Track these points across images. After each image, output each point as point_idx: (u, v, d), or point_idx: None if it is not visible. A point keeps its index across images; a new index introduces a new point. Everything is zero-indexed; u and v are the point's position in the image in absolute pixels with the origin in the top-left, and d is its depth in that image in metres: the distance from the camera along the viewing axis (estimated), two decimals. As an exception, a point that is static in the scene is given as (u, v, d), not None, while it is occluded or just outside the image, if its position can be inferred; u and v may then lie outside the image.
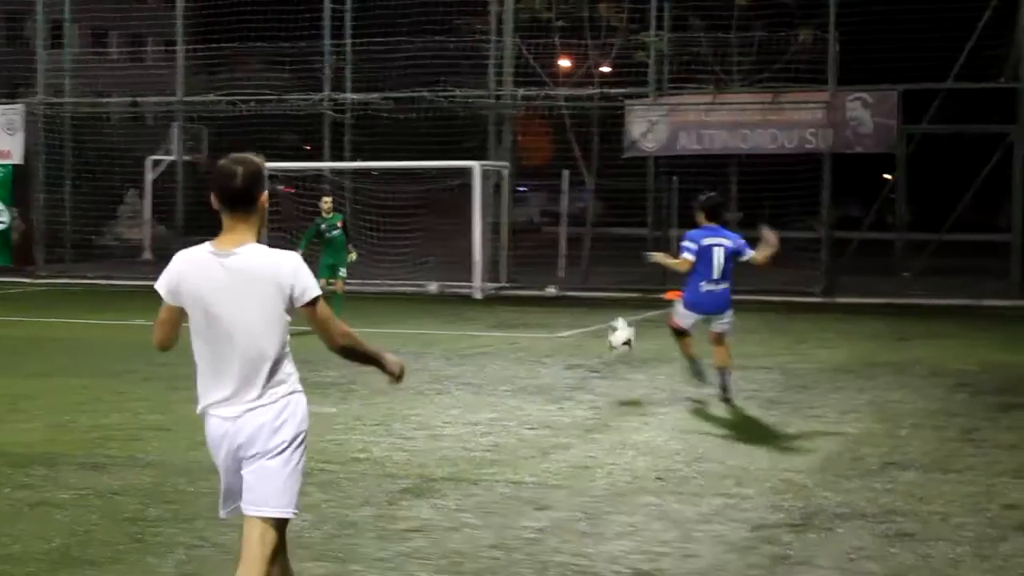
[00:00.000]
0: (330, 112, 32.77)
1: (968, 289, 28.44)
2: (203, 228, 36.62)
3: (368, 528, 8.73)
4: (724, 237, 14.62)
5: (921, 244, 30.27)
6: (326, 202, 22.34)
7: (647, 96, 30.54)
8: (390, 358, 6.33)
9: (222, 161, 6.08)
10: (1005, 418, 13.25)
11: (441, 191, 30.60)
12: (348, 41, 32.70)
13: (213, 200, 6.01)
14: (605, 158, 31.62)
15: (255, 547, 5.89)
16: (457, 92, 31.73)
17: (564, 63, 32.81)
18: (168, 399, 14.17)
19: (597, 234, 32.59)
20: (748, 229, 35.92)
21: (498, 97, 31.46)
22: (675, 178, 32.60)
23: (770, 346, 19.72)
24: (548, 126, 35.87)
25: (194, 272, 6.01)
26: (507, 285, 30.59)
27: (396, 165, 31.82)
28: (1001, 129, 28.95)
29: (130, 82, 36.96)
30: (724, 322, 14.67)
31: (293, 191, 33.77)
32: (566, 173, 32.45)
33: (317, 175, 32.87)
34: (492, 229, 30.87)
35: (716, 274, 14.40)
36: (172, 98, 34.56)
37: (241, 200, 5.97)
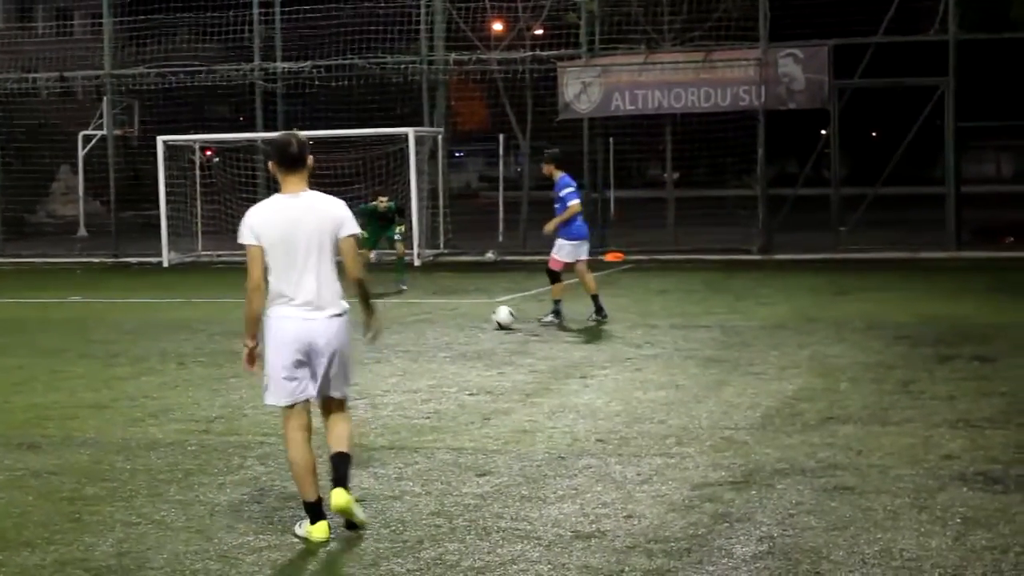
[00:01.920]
0: (261, 82, 32.52)
1: (904, 242, 28.68)
2: (136, 203, 36.48)
3: (309, 500, 8.66)
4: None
5: (857, 198, 30.44)
6: (382, 200, 22.83)
7: (580, 58, 30.49)
8: (377, 321, 8.16)
9: (278, 135, 8.30)
10: (942, 369, 13.35)
11: (376, 159, 30.42)
12: (277, 9, 32.42)
13: (271, 166, 7.99)
14: (540, 121, 31.58)
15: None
16: (388, 58, 31.55)
17: (496, 27, 32.68)
18: (104, 376, 14.04)
19: (534, 198, 32.54)
20: (686, 188, 36.22)
21: (430, 62, 31.31)
22: (610, 139, 32.63)
23: (709, 304, 19.79)
24: (481, 90, 35.78)
25: (272, 214, 7.87)
26: (445, 251, 30.56)
27: (330, 134, 31.61)
28: (933, 81, 29.10)
29: (58, 56, 36.46)
30: (586, 250, 17.90)
31: (217, 158, 33.55)
32: (502, 137, 32.38)
33: (250, 145, 32.63)
34: (429, 195, 30.78)
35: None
36: (100, 72, 34.15)
37: (297, 161, 7.88)
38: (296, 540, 7.78)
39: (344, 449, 7.96)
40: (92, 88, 37.19)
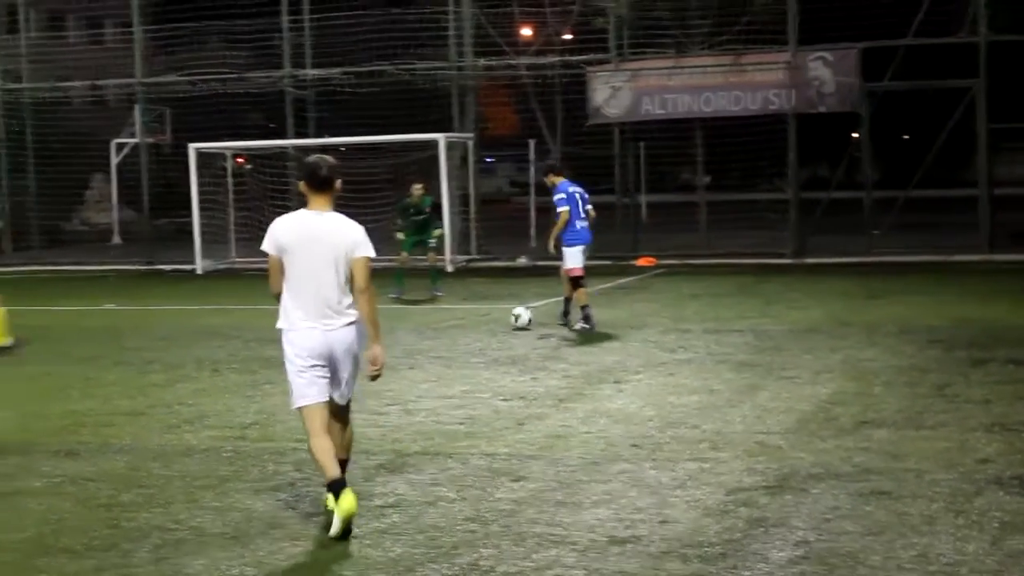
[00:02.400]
0: (291, 89, 32.62)
1: (937, 245, 28.55)
2: (169, 210, 36.62)
3: (344, 506, 8.70)
4: (578, 186, 18.09)
5: (889, 202, 30.34)
6: (417, 188, 22.73)
7: (609, 62, 30.48)
8: (377, 349, 8.43)
9: (310, 158, 8.64)
10: (977, 373, 13.29)
11: (407, 165, 30.48)
12: (306, 16, 32.53)
13: (302, 185, 8.48)
14: (570, 126, 31.60)
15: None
16: (418, 64, 31.60)
17: (525, 32, 32.72)
18: (140, 383, 14.12)
19: (565, 202, 32.55)
20: (717, 192, 36.16)
21: (460, 68, 31.35)
22: (641, 144, 32.61)
23: (742, 308, 19.75)
24: (511, 96, 35.83)
25: (297, 226, 8.42)
26: (477, 257, 30.58)
27: (360, 140, 31.71)
28: (963, 83, 28.99)
29: (90, 65, 36.68)
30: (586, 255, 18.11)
31: (248, 165, 33.65)
32: (532, 142, 32.40)
33: (281, 153, 32.75)
34: (460, 201, 30.82)
35: (582, 212, 17.88)
36: (132, 80, 34.33)
37: (325, 183, 8.45)
38: (333, 545, 7.81)
39: (345, 456, 8.60)
40: (124, 96, 37.41)
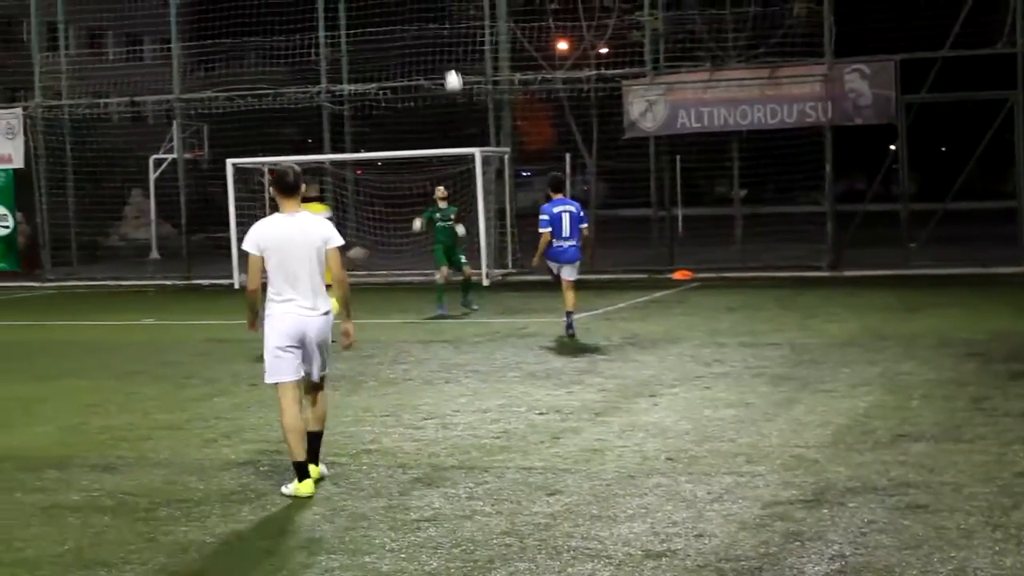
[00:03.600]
0: (328, 104, 32.75)
1: (975, 258, 28.39)
2: (207, 225, 36.88)
3: (380, 519, 8.73)
4: (569, 205, 18.67)
5: (927, 214, 30.20)
6: (440, 191, 22.68)
7: (644, 76, 30.48)
8: (349, 326, 9.89)
9: (279, 167, 9.87)
10: (1015, 386, 13.22)
11: (443, 179, 30.54)
12: (343, 32, 32.67)
13: (273, 191, 9.74)
14: (606, 140, 31.58)
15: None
16: (454, 79, 31.63)
17: (560, 46, 32.75)
18: (178, 397, 14.20)
19: (602, 216, 32.58)
20: (753, 205, 36.09)
21: (495, 83, 31.40)
22: (677, 157, 32.58)
23: (779, 322, 19.70)
24: (547, 110, 35.84)
25: (273, 229, 9.65)
26: (513, 271, 30.58)
27: (397, 155, 31.80)
28: (1001, 95, 28.86)
29: (128, 82, 36.92)
30: (574, 271, 18.60)
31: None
32: (568, 156, 32.42)
33: (319, 167, 32.88)
34: (496, 215, 30.86)
35: (566, 233, 18.35)
36: (170, 96, 34.55)
37: (293, 188, 9.70)
38: (369, 559, 7.83)
39: (319, 429, 9.83)
40: (162, 112, 37.65)
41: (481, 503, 9.07)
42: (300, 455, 9.45)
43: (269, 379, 9.67)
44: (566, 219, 18.32)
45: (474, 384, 14.51)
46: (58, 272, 34.42)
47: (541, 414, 12.50)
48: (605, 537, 8.12)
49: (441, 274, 22.42)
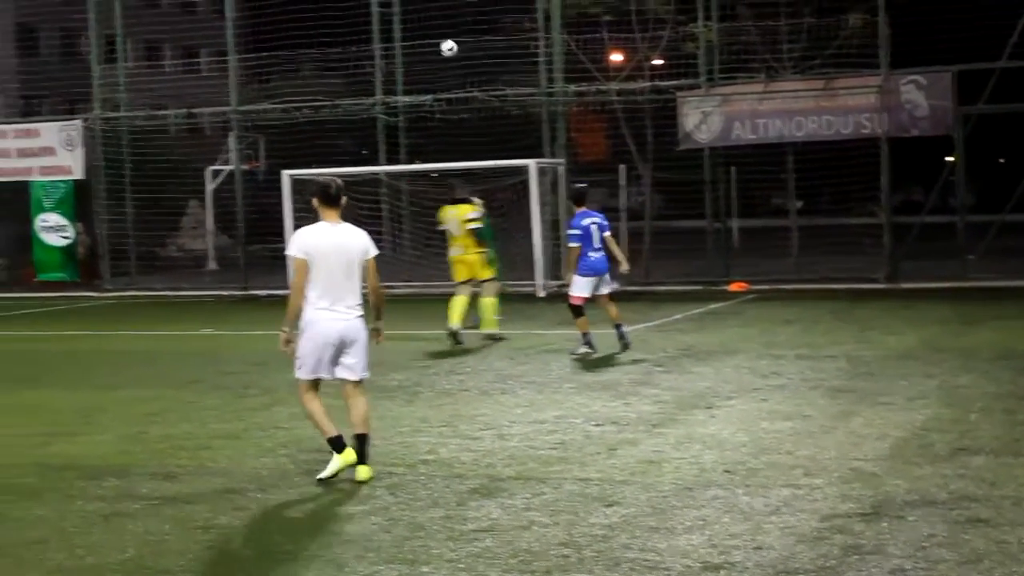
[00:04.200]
0: (383, 116, 32.88)
1: (1033, 270, 28.14)
2: (264, 236, 37.05)
3: (437, 529, 8.77)
4: (595, 216, 18.52)
5: (984, 226, 29.96)
6: (477, 202, 22.54)
7: (699, 87, 30.43)
8: (381, 325, 10.76)
9: (321, 179, 10.68)
10: (1075, 399, 13.11)
11: (498, 191, 30.60)
12: (398, 44, 32.80)
13: (315, 202, 10.46)
14: (660, 151, 31.51)
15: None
16: (508, 91, 31.74)
17: (615, 57, 32.74)
18: (236, 407, 14.30)
19: (657, 228, 32.50)
20: (809, 217, 35.91)
21: (550, 94, 31.43)
22: (732, 168, 32.49)
23: (835, 334, 19.60)
24: (602, 121, 35.83)
25: (319, 237, 10.35)
26: (568, 283, 30.52)
27: (451, 166, 31.85)
28: (1060, 106, 28.61)
29: (185, 93, 37.24)
30: (609, 283, 18.48)
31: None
32: (623, 168, 32.39)
33: (374, 179, 33.02)
34: (551, 226, 30.86)
35: (596, 243, 18.21)
36: (227, 108, 34.80)
37: (335, 199, 10.46)
38: (427, 569, 7.87)
39: (365, 431, 10.41)
40: (219, 124, 37.91)
41: (538, 514, 9.09)
42: (332, 430, 10.32)
43: (303, 375, 10.45)
44: (595, 231, 18.22)
45: (530, 395, 14.53)
46: (117, 282, 34.70)
47: (597, 425, 12.51)
48: (663, 549, 8.12)
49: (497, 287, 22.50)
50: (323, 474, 10.28)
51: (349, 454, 10.29)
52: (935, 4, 28.30)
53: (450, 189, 22.13)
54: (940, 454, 10.62)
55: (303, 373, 10.45)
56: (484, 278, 20.45)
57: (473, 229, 20.44)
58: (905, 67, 29.03)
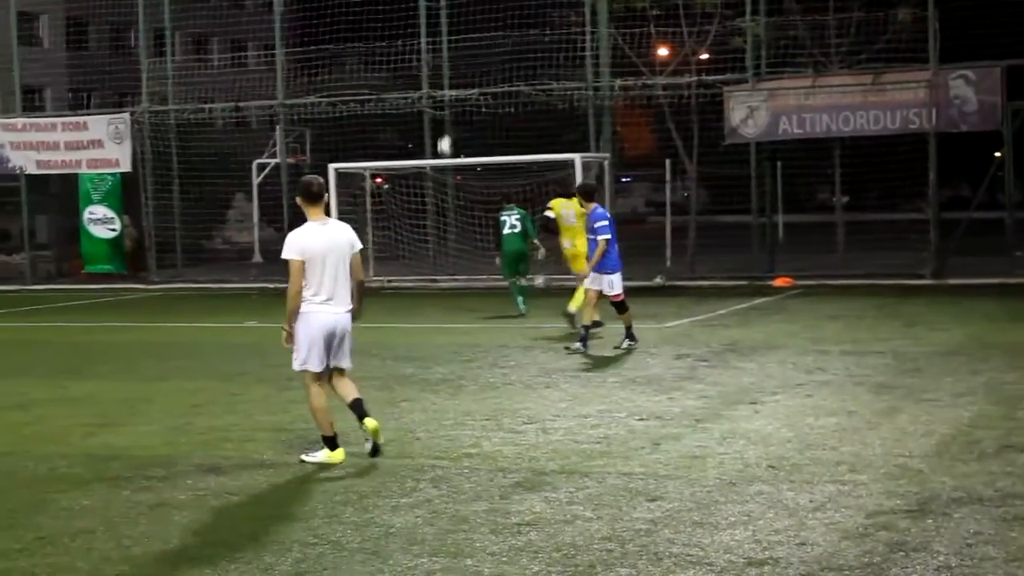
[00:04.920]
0: (429, 109, 32.93)
1: (1082, 265, 27.90)
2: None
3: (481, 522, 8.78)
4: (605, 210, 18.19)
5: (1033, 222, 29.75)
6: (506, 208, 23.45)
7: (746, 82, 30.32)
8: (361, 311, 11.23)
9: (304, 177, 11.21)
10: (1124, 396, 12.99)
11: (543, 184, 30.59)
12: (444, 38, 32.83)
13: (299, 200, 10.95)
14: (706, 145, 31.44)
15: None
16: (554, 85, 31.72)
17: (661, 52, 32.66)
18: (281, 400, 14.34)
19: (702, 222, 32.43)
20: (855, 212, 35.71)
21: (596, 88, 31.39)
22: (778, 163, 32.36)
23: (881, 330, 19.51)
24: (648, 115, 35.77)
25: (312, 237, 10.81)
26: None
27: (496, 160, 31.89)
28: (1111, 101, 28.34)
29: (232, 87, 37.40)
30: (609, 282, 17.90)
31: (386, 185, 33.98)
32: (668, 162, 32.32)
33: (419, 172, 33.07)
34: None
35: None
36: (273, 101, 34.93)
37: (318, 196, 10.95)
38: (470, 562, 7.88)
39: (358, 395, 11.09)
40: (265, 117, 38.07)
41: (582, 508, 9.09)
42: (330, 430, 10.89)
43: (301, 367, 10.91)
44: (613, 223, 17.99)
45: (574, 389, 14.52)
46: (163, 274, 34.93)
47: (641, 420, 12.49)
48: (707, 544, 8.10)
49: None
50: (307, 457, 10.89)
51: (340, 454, 10.84)
52: (984, -2, 28.10)
53: (560, 184, 22.72)
54: (987, 451, 10.54)
55: (311, 366, 10.85)
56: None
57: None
58: (954, 62, 28.82)
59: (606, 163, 30.98)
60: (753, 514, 8.78)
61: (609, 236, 17.67)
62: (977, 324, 20.04)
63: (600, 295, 17.96)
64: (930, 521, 8.45)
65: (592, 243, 17.93)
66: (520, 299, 22.98)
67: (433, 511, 9.15)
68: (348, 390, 11.11)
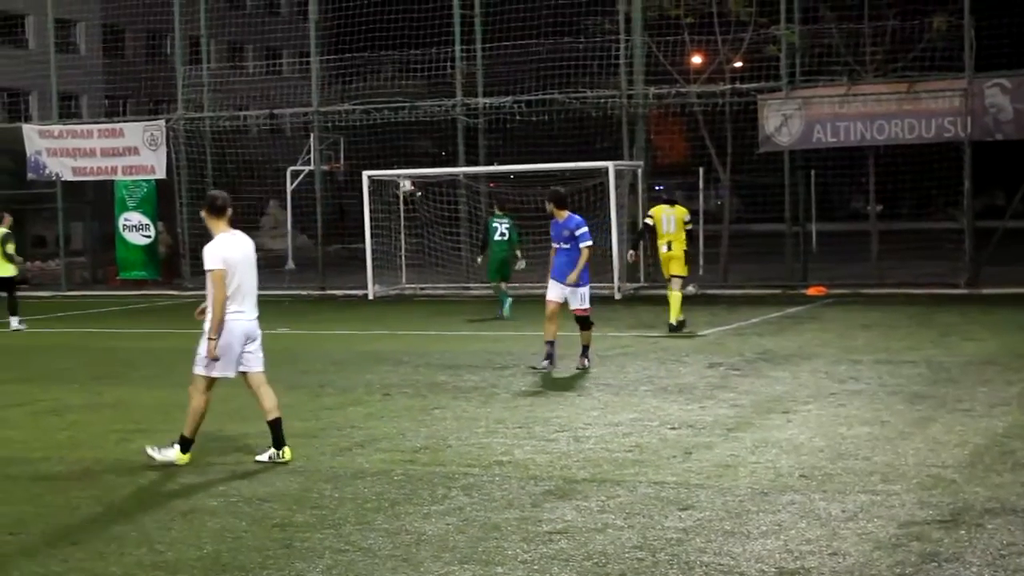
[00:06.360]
0: (463, 117, 32.98)
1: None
2: (342, 235, 37.38)
3: (512, 530, 8.79)
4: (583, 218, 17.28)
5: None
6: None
7: (780, 90, 30.26)
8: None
9: (211, 192, 11.91)
10: None
11: (576, 192, 30.59)
12: (478, 46, 32.88)
13: (204, 212, 11.61)
14: (740, 154, 31.37)
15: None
16: (588, 93, 31.72)
17: (695, 60, 32.62)
18: (313, 406, 14.39)
19: (735, 231, 32.36)
20: (889, 221, 35.58)
21: (630, 96, 31.38)
22: (812, 172, 32.27)
23: (915, 339, 19.42)
24: (681, 123, 35.73)
25: (232, 248, 11.38)
26: (646, 284, 30.49)
27: (530, 168, 31.90)
28: None
29: (267, 95, 37.56)
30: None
31: (419, 192, 34.04)
32: (702, 170, 32.26)
33: (452, 180, 33.12)
34: (629, 229, 30.80)
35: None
36: (308, 109, 35.06)
37: (223, 210, 11.44)
38: (501, 570, 7.89)
39: (279, 415, 11.39)
40: (300, 125, 38.20)
41: (613, 516, 9.08)
42: (192, 434, 11.34)
43: (211, 372, 11.20)
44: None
45: (606, 397, 14.52)
46: (197, 281, 34.95)
47: (673, 429, 12.47)
48: (738, 553, 8.09)
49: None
50: (156, 454, 11.33)
51: (186, 458, 11.33)
52: (1021, 6, 27.95)
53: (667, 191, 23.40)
54: (1021, 462, 10.49)
55: (220, 372, 11.22)
56: (680, 274, 21.07)
57: (688, 230, 21.34)
58: (989, 70, 28.69)
59: (639, 171, 30.96)
60: (785, 524, 8.75)
61: (591, 243, 16.89)
62: (1011, 334, 19.92)
63: (561, 307, 16.96)
64: (963, 532, 8.42)
65: (561, 252, 16.87)
66: (507, 304, 24.13)
67: (464, 519, 9.16)
68: (270, 405, 11.39)
